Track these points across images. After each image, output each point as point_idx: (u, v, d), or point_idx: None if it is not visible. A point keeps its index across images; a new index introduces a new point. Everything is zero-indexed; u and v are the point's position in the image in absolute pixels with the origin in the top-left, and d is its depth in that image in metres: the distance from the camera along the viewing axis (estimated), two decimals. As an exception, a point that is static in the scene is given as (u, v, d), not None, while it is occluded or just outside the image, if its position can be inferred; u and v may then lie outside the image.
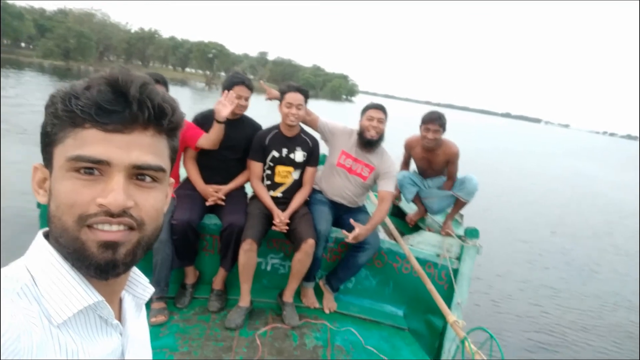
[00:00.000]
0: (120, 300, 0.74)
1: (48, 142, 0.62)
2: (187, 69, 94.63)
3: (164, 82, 3.02)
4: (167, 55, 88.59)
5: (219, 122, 2.95)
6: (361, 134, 3.15)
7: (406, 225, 3.92)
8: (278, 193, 3.18)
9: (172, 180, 0.72)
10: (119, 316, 0.73)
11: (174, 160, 0.70)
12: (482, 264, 6.03)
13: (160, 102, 0.62)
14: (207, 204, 3.11)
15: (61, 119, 0.60)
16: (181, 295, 3.03)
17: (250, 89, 3.09)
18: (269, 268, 3.28)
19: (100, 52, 68.46)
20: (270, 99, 3.45)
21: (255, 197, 3.21)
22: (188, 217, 2.86)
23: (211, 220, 3.13)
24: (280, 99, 3.09)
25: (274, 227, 3.00)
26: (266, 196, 3.12)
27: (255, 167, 3.16)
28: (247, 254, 2.84)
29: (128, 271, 0.67)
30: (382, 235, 3.33)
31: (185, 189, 3.16)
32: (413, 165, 3.84)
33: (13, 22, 58.82)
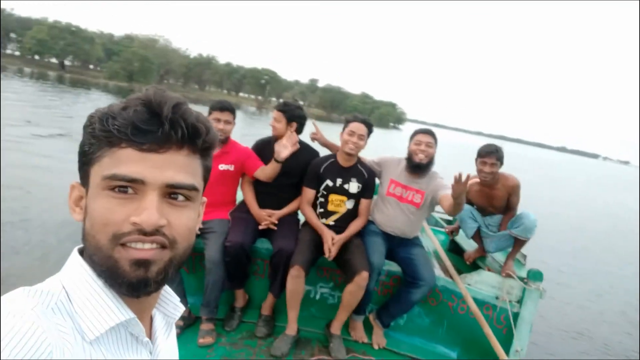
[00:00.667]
0: (151, 319, 0.74)
1: (85, 162, 0.63)
2: (241, 94, 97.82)
3: (232, 110, 3.06)
4: (223, 80, 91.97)
5: (277, 161, 3.00)
6: (409, 159, 3.11)
7: (464, 262, 3.74)
8: (330, 221, 3.13)
9: (204, 199, 0.72)
10: (150, 334, 0.73)
11: (207, 180, 0.70)
12: (545, 308, 5.64)
13: (195, 122, 0.63)
14: (260, 228, 3.12)
15: (98, 138, 0.61)
16: (230, 318, 3.03)
17: (282, 111, 3.14)
18: (317, 297, 3.22)
19: (160, 75, 72.15)
20: (313, 139, 3.41)
21: (307, 223, 3.19)
22: (241, 239, 2.88)
23: (263, 244, 3.13)
24: (344, 127, 3.07)
25: (326, 254, 2.95)
26: (315, 219, 3.09)
27: (308, 193, 3.15)
28: (295, 280, 2.80)
29: (159, 289, 0.67)
30: (437, 271, 3.18)
31: (240, 212, 3.19)
32: None
33: (84, 45, 63.38)
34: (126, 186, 0.60)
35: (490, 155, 3.19)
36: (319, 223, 3.08)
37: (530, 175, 27.63)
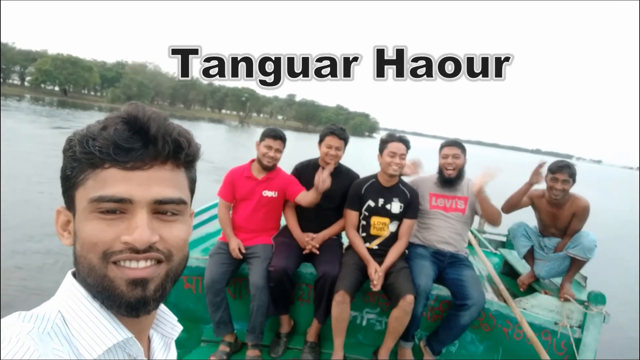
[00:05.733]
0: (149, 339, 0.66)
1: (69, 186, 0.56)
2: (223, 111, 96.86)
3: (284, 139, 2.79)
4: (206, 99, 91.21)
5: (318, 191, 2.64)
6: (441, 174, 2.85)
7: (518, 285, 3.26)
8: (374, 245, 2.77)
9: (192, 210, 0.64)
10: (148, 355, 0.65)
11: (193, 192, 0.62)
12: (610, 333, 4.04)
13: (176, 136, 0.56)
14: (304, 252, 2.79)
15: (80, 161, 0.54)
16: (275, 345, 2.71)
17: (344, 139, 2.84)
18: (364, 323, 2.81)
19: (152, 97, 71.42)
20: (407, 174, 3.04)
21: (350, 247, 2.83)
22: (284, 264, 2.58)
23: (307, 269, 2.77)
24: (381, 149, 2.76)
25: (372, 286, 2.57)
26: (361, 246, 2.73)
27: (351, 215, 2.80)
28: (340, 306, 2.48)
29: (159, 306, 0.60)
30: (490, 295, 2.78)
31: (283, 236, 2.86)
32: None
33: (84, 73, 63.75)
34: (115, 208, 0.53)
35: (562, 170, 2.75)
36: (364, 250, 2.71)
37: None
